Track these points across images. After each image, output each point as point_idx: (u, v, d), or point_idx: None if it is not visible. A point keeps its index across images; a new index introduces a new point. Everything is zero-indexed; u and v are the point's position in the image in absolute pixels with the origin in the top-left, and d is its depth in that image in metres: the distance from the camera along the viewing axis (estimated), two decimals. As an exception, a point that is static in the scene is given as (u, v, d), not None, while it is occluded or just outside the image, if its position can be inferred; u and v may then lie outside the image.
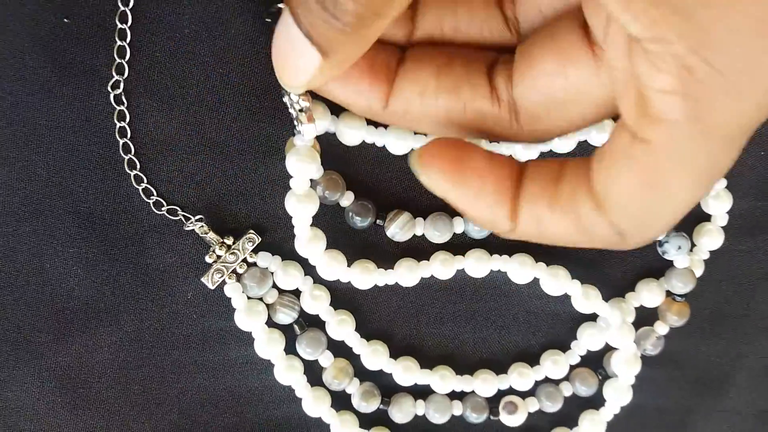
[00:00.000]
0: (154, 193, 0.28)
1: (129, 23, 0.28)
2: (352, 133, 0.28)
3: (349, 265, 0.29)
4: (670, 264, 0.32)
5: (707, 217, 0.31)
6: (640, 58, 0.17)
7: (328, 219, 0.29)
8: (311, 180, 0.27)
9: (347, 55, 0.20)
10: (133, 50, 0.27)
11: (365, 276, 0.30)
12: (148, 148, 0.28)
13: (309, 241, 0.28)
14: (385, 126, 0.27)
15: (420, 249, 0.30)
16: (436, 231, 0.30)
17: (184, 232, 0.29)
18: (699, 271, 0.32)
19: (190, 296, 0.30)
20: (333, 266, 0.29)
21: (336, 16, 0.18)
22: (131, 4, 0.28)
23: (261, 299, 0.30)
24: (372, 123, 0.27)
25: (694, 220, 0.32)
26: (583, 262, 0.32)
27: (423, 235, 0.30)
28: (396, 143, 0.28)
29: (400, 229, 0.29)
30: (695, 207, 0.28)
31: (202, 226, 0.29)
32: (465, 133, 0.23)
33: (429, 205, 0.30)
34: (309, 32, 0.19)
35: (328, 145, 0.28)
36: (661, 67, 0.16)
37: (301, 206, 0.28)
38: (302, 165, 0.27)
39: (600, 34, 0.20)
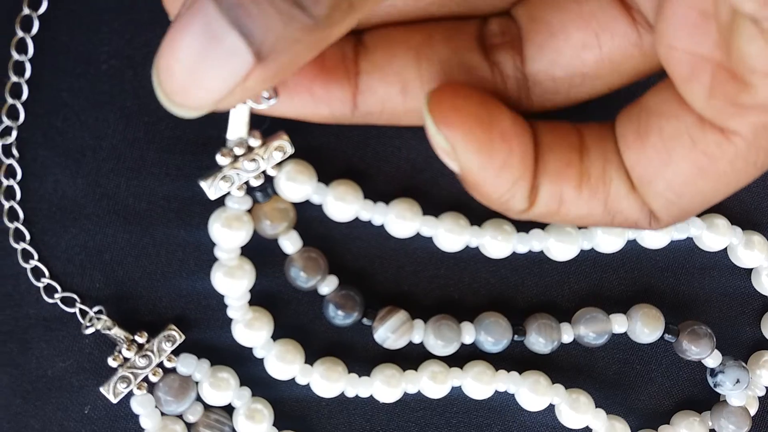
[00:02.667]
0: (47, 274, 0.23)
1: (29, 54, 0.22)
2: (342, 208, 0.22)
3: (308, 363, 0.23)
4: (716, 396, 0.26)
5: (766, 344, 0.26)
6: (748, 39, 0.15)
7: (296, 307, 0.24)
8: (287, 256, 0.23)
9: (294, 61, 0.15)
10: (33, 89, 0.22)
11: (330, 381, 0.23)
12: (43, 215, 0.23)
13: (248, 325, 0.23)
14: (386, 201, 0.23)
15: (405, 353, 0.24)
16: (439, 340, 0.23)
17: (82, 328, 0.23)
18: (753, 410, 0.26)
19: (88, 412, 0.23)
20: (286, 360, 0.23)
21: (302, 5, 0.13)
22: (34, 29, 0.22)
23: (180, 417, 0.23)
24: (369, 195, 0.23)
25: (750, 345, 0.26)
26: (609, 385, 0.25)
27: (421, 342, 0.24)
28: (398, 223, 0.23)
29: (392, 332, 0.23)
30: (753, 331, 0.26)
31: (104, 319, 0.22)
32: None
33: (431, 305, 0.24)
34: (245, 24, 0.14)
35: (309, 213, 0.23)
36: None
37: (230, 281, 0.22)
38: (229, 231, 0.21)
39: (649, 9, 0.18)
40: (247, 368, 0.24)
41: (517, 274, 0.25)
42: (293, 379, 0.23)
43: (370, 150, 0.24)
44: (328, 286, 0.23)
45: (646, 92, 0.19)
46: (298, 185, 0.21)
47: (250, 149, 0.20)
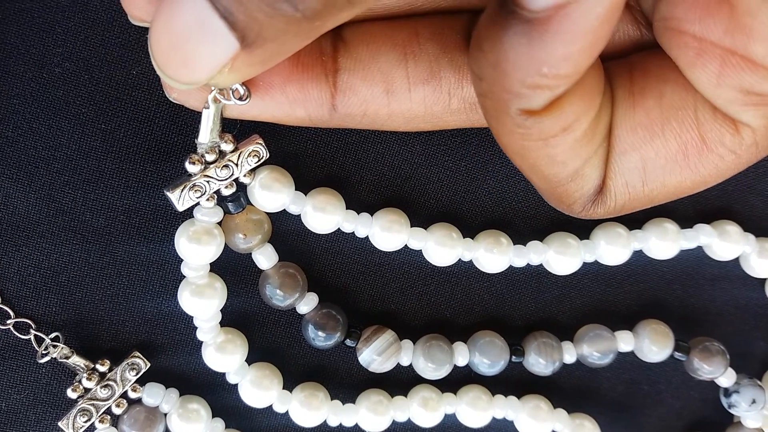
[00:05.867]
0: (-3, 298, 0.22)
1: (-25, 58, 0.21)
2: (323, 219, 0.21)
3: (287, 389, 0.22)
4: (730, 418, 0.25)
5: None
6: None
7: (273, 328, 0.23)
8: (262, 271, 0.22)
9: (282, 49, 0.14)
10: (-20, 96, 0.21)
11: (310, 409, 0.22)
12: (-8, 233, 0.22)
13: (219, 348, 0.22)
14: (370, 211, 0.22)
15: (393, 377, 0.23)
16: (430, 362, 0.22)
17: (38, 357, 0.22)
18: (768, 432, 0.25)
19: (46, 448, 0.22)
20: (262, 386, 0.22)
21: (291, 1, 0.13)
22: (-21, 32, 0.20)
23: (148, 453, 0.22)
24: (351, 206, 0.22)
25: (766, 361, 0.25)
26: (615, 408, 0.25)
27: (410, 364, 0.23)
28: (384, 235, 0.22)
29: (378, 354, 0.22)
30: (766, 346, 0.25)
31: (62, 347, 0.21)
32: (450, 127, 0.19)
33: (420, 324, 0.24)
34: (230, 12, 0.13)
35: (285, 225, 0.22)
36: None
37: (199, 300, 0.21)
38: (198, 246, 0.20)
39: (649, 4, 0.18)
40: (220, 397, 0.23)
41: (514, 290, 0.24)
42: (270, 407, 0.22)
43: (351, 156, 0.23)
44: (307, 304, 0.22)
45: (636, 54, 0.18)
46: (273, 194, 0.20)
47: (222, 155, 0.19)
